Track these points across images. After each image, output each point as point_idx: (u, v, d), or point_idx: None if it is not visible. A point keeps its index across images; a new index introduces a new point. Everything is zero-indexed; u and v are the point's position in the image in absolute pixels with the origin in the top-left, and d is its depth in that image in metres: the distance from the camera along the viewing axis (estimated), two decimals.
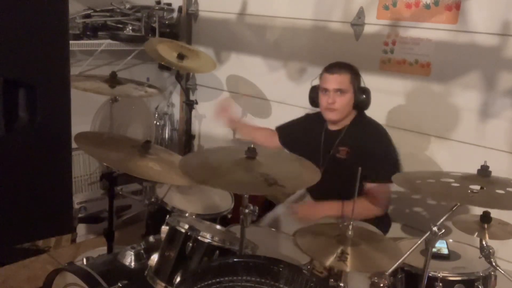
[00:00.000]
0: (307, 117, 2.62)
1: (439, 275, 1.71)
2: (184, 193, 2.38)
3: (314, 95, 2.37)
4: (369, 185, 2.21)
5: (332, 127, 2.36)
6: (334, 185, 2.16)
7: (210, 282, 1.39)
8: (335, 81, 2.22)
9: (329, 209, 2.19)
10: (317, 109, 2.40)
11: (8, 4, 1.07)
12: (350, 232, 1.58)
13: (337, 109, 2.24)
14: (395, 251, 1.60)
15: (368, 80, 2.31)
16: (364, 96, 2.26)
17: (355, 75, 2.26)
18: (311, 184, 1.87)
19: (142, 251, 1.89)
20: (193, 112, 3.32)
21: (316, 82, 2.35)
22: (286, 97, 3.08)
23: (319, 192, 2.32)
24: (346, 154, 2.27)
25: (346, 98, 2.23)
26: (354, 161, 2.19)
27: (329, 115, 2.29)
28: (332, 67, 2.25)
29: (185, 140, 3.59)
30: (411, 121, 2.55)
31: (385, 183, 2.19)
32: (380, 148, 2.24)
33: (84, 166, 3.27)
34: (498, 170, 1.57)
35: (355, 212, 1.97)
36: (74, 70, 3.05)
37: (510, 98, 2.24)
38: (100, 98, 2.79)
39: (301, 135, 2.50)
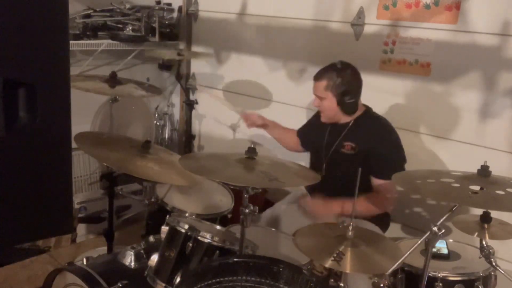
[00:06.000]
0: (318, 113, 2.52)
1: (439, 275, 1.71)
2: (184, 193, 2.38)
3: None
4: (377, 181, 2.18)
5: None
6: (339, 180, 2.17)
7: (210, 282, 1.39)
8: (314, 87, 2.25)
9: (340, 206, 2.12)
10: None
11: (7, 4, 1.07)
12: (350, 233, 1.58)
13: (323, 112, 2.29)
14: (395, 251, 1.60)
15: (368, 80, 2.30)
16: (347, 99, 2.18)
17: (333, 81, 2.17)
18: (311, 182, 1.87)
19: (142, 251, 1.89)
20: (193, 112, 3.32)
21: None
22: (286, 97, 3.07)
23: (322, 187, 2.23)
24: (351, 149, 2.25)
25: (325, 103, 2.23)
26: (360, 156, 2.20)
27: (321, 116, 2.33)
28: (317, 73, 2.25)
29: (185, 140, 3.59)
30: (411, 121, 2.54)
31: (391, 181, 2.14)
32: (387, 145, 2.21)
33: (84, 166, 3.27)
34: (498, 170, 1.57)
35: (360, 210, 2.03)
36: (74, 70, 3.05)
37: (510, 98, 2.24)
38: (100, 98, 2.79)
39: (312, 132, 2.52)
